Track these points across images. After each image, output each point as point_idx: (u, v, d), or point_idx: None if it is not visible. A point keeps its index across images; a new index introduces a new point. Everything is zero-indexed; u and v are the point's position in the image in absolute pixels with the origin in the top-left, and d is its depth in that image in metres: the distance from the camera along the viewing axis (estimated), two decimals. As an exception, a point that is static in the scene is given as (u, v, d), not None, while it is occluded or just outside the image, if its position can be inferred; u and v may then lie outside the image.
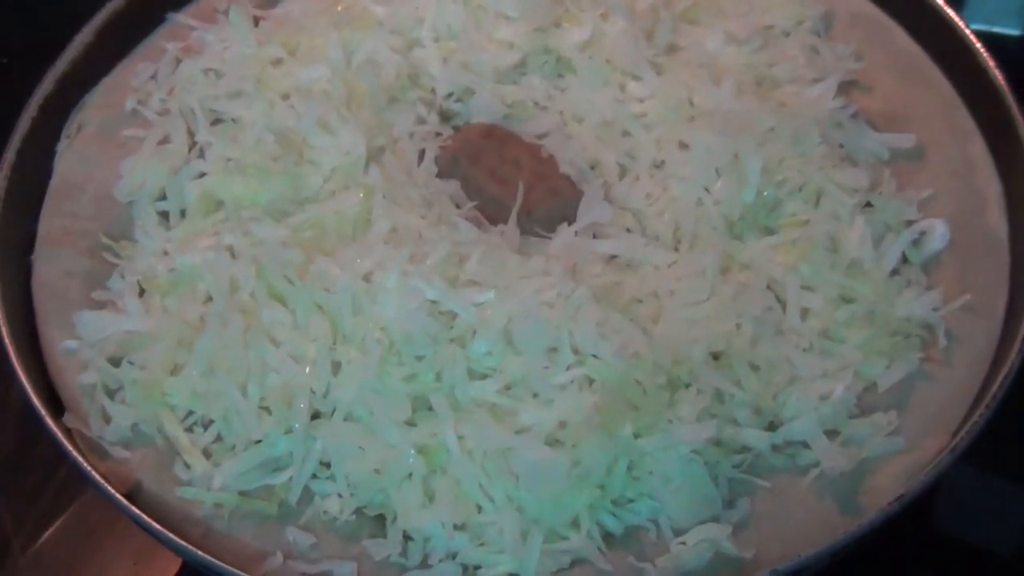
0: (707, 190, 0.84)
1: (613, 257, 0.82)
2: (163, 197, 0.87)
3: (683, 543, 0.73)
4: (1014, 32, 1.01)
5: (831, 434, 0.77)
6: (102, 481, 0.74)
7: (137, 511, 0.73)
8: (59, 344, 0.81)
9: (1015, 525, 0.95)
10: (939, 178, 0.87)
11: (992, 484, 0.94)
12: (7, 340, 0.79)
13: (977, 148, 0.89)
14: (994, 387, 0.76)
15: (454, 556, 0.73)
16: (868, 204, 0.85)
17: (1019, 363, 0.77)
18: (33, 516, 0.94)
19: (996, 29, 0.90)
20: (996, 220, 0.86)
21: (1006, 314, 0.82)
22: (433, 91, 0.91)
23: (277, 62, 0.91)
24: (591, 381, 0.75)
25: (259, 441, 0.76)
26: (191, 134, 0.89)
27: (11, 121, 0.88)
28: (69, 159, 0.90)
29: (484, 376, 0.76)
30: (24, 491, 0.95)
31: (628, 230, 0.84)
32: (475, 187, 0.85)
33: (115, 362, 0.80)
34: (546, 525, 0.73)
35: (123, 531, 0.92)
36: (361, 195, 0.83)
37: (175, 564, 0.92)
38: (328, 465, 0.76)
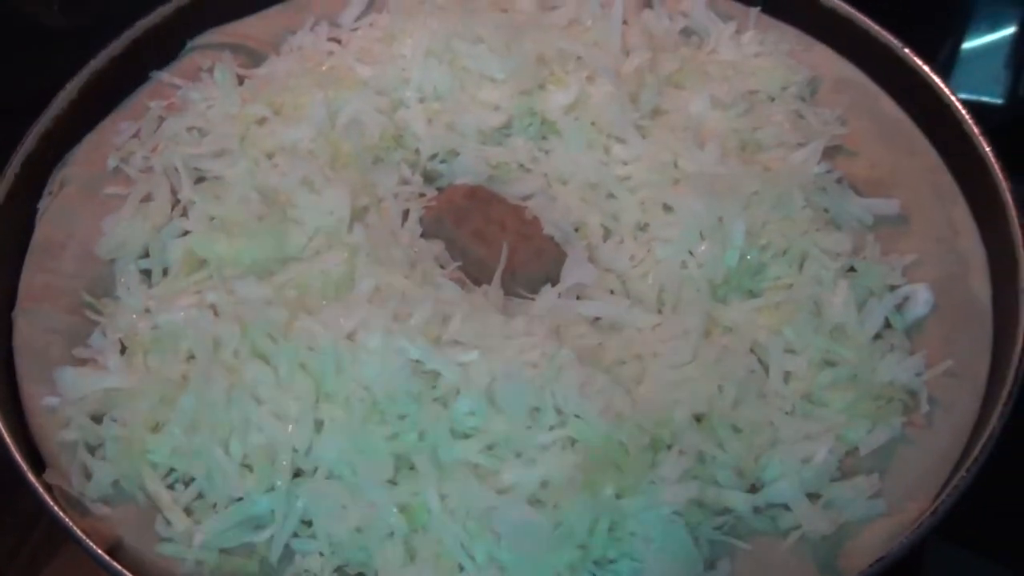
0: (691, 253, 0.86)
1: (597, 319, 0.84)
2: (145, 255, 0.88)
3: None
4: (997, 101, 1.02)
5: (812, 497, 0.78)
6: (84, 537, 0.75)
7: (119, 567, 0.74)
8: (40, 401, 0.82)
9: None
10: (923, 243, 0.89)
11: (973, 564, 0.94)
12: None
13: (961, 214, 0.91)
14: (975, 451, 0.78)
15: None
16: (852, 268, 0.87)
17: (1000, 429, 0.79)
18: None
19: (981, 98, 0.91)
20: (980, 286, 0.88)
21: (988, 380, 0.84)
22: (418, 151, 0.92)
23: (262, 121, 0.93)
24: (573, 441, 0.77)
25: (240, 499, 0.77)
26: (174, 192, 0.90)
27: None
28: (51, 216, 0.91)
29: (467, 435, 0.77)
30: (2, 552, 0.95)
31: (612, 292, 0.86)
32: (459, 248, 0.86)
33: (97, 419, 0.81)
34: None
35: None
36: (345, 255, 0.84)
37: None
38: (309, 523, 0.77)
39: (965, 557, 0.91)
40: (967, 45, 1.17)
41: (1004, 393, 0.80)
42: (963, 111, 0.92)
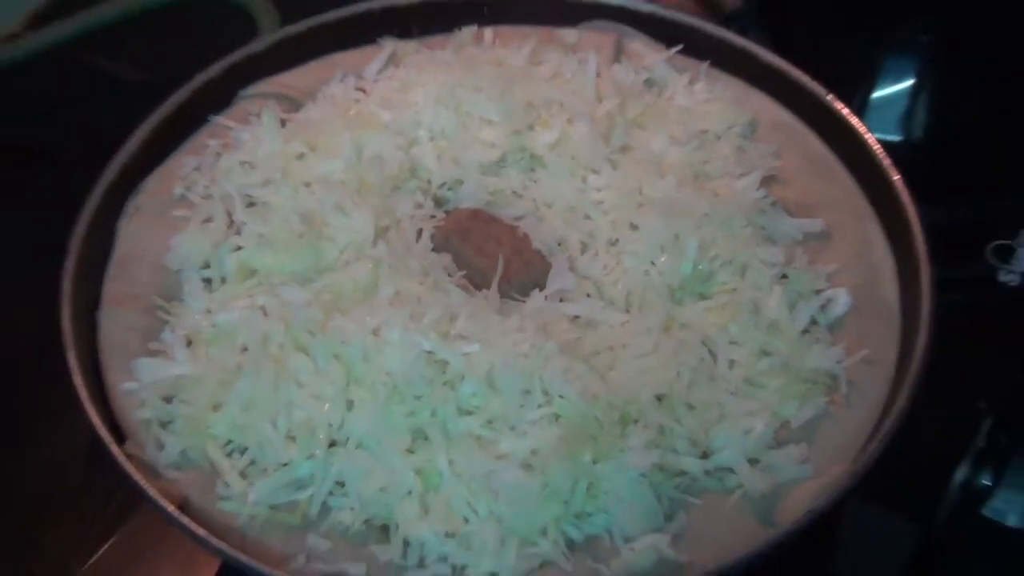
0: (653, 263, 0.87)
1: (576, 317, 0.85)
2: (206, 267, 0.89)
3: (632, 549, 0.76)
4: (898, 138, 1.03)
5: (753, 462, 0.80)
6: (157, 497, 0.76)
7: (187, 521, 0.76)
8: (121, 386, 0.84)
9: (900, 554, 0.97)
10: (843, 256, 0.91)
11: (884, 518, 0.95)
12: (79, 383, 0.81)
13: (874, 231, 0.92)
14: (886, 425, 0.80)
15: (445, 559, 0.76)
16: (784, 276, 0.88)
17: (908, 407, 0.80)
18: (91, 537, 0.95)
19: (888, 137, 0.93)
20: (889, 291, 0.89)
21: (896, 367, 0.85)
22: (429, 181, 0.93)
23: (300, 156, 0.93)
24: (557, 417, 0.78)
25: (286, 464, 0.79)
26: (229, 215, 0.91)
27: (81, 203, 0.89)
28: (128, 236, 0.92)
29: (470, 413, 0.79)
30: (85, 517, 0.96)
31: (588, 295, 0.87)
32: (464, 260, 0.88)
33: (167, 400, 0.82)
34: (520, 534, 0.75)
35: (170, 544, 0.93)
36: (370, 266, 0.85)
37: (214, 568, 0.93)
38: (342, 484, 0.78)
39: (878, 511, 0.93)
40: (876, 95, 1.18)
41: (909, 378, 0.81)
42: (875, 147, 0.94)
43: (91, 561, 0.94)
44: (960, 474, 0.99)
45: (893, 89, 1.19)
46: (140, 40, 1.29)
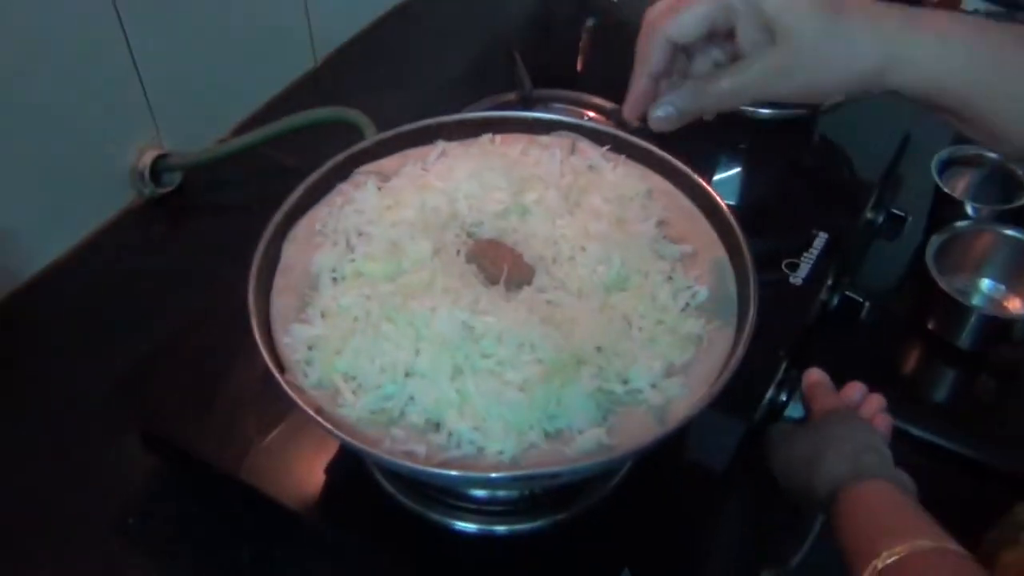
0: (595, 270, 0.84)
1: (550, 301, 0.81)
2: (334, 271, 0.85)
3: (582, 437, 0.73)
4: (732, 201, 1.00)
5: (653, 387, 0.76)
6: (304, 405, 0.73)
7: (321, 419, 0.73)
8: (283, 340, 0.80)
9: (731, 440, 0.93)
10: (703, 267, 0.87)
11: (721, 418, 0.90)
12: (258, 337, 0.78)
13: (721, 252, 0.88)
14: (731, 364, 0.77)
15: (472, 442, 0.73)
16: (670, 278, 0.84)
17: (742, 353, 0.77)
18: (267, 424, 0.92)
19: (727, 200, 0.91)
20: (731, 286, 0.85)
21: (736, 330, 0.82)
22: (463, 223, 0.89)
23: (389, 207, 0.90)
24: (539, 361, 0.75)
25: (379, 387, 0.75)
26: (348, 242, 0.87)
27: (261, 234, 0.86)
28: (289, 253, 0.88)
29: (488, 357, 0.75)
30: (265, 412, 0.93)
31: (557, 289, 0.83)
32: (484, 268, 0.84)
33: (310, 348, 0.79)
34: (517, 428, 0.72)
35: (312, 432, 0.90)
36: (429, 271, 0.82)
37: (335, 448, 0.91)
38: (413, 398, 0.75)
39: (720, 414, 0.87)
40: (718, 176, 1.19)
41: (743, 337, 0.78)
42: (721, 203, 0.90)
43: (267, 438, 0.92)
44: (769, 393, 0.97)
45: (728, 173, 1.19)
46: (296, 142, 1.26)
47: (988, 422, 1.10)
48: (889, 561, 0.67)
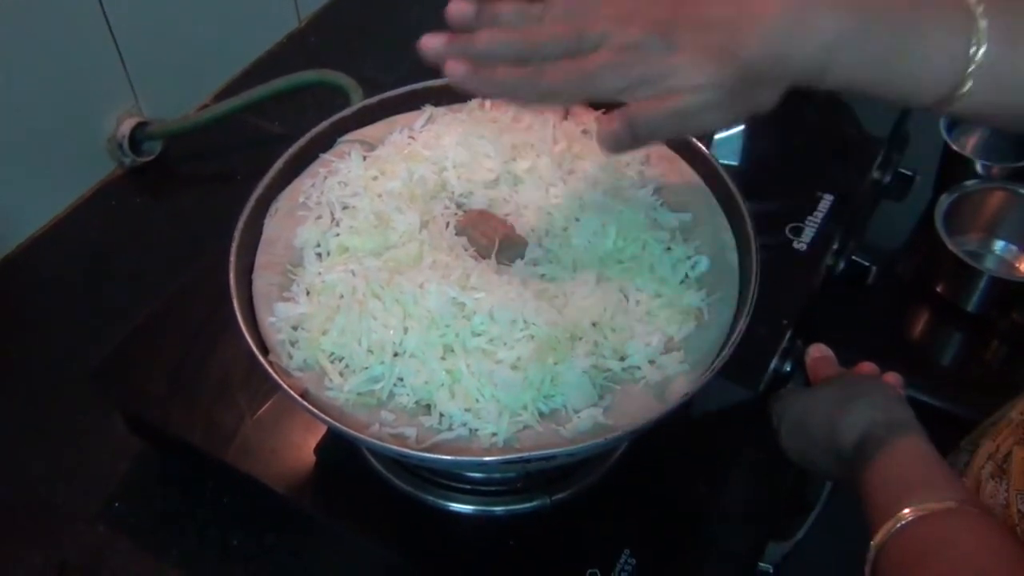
0: (589, 241, 0.81)
1: (543, 275, 0.79)
2: (318, 246, 0.83)
3: (578, 417, 0.71)
4: (733, 163, 0.99)
5: (651, 362, 0.74)
6: (287, 388, 0.71)
7: (306, 403, 0.71)
8: (266, 319, 0.78)
9: (730, 420, 0.93)
10: (703, 235, 0.84)
11: (729, 387, 0.90)
12: (239, 317, 0.76)
13: (721, 220, 0.86)
14: (733, 337, 0.75)
15: (464, 424, 0.71)
16: (669, 248, 0.82)
17: (745, 327, 0.75)
18: (254, 405, 0.91)
19: (727, 162, 0.89)
20: (732, 255, 0.83)
21: (737, 302, 0.80)
22: (452, 193, 0.87)
23: (375, 178, 0.87)
24: (532, 337, 0.73)
25: (367, 368, 0.73)
26: (332, 214, 0.85)
27: (243, 206, 0.84)
28: (271, 227, 0.85)
29: (479, 335, 0.73)
30: (253, 392, 0.91)
31: (551, 262, 0.81)
32: (474, 240, 0.81)
33: (294, 328, 0.77)
34: (510, 409, 0.70)
35: (299, 415, 0.88)
36: (418, 245, 0.80)
37: (322, 432, 0.89)
38: (402, 379, 0.73)
39: (727, 383, 0.88)
40: (718, 136, 1.16)
41: (746, 308, 0.76)
42: (719, 167, 0.87)
43: (255, 419, 0.90)
44: (773, 363, 0.95)
45: (729, 132, 1.16)
46: (280, 106, 1.25)
47: (996, 389, 1.08)
48: (915, 516, 0.66)
